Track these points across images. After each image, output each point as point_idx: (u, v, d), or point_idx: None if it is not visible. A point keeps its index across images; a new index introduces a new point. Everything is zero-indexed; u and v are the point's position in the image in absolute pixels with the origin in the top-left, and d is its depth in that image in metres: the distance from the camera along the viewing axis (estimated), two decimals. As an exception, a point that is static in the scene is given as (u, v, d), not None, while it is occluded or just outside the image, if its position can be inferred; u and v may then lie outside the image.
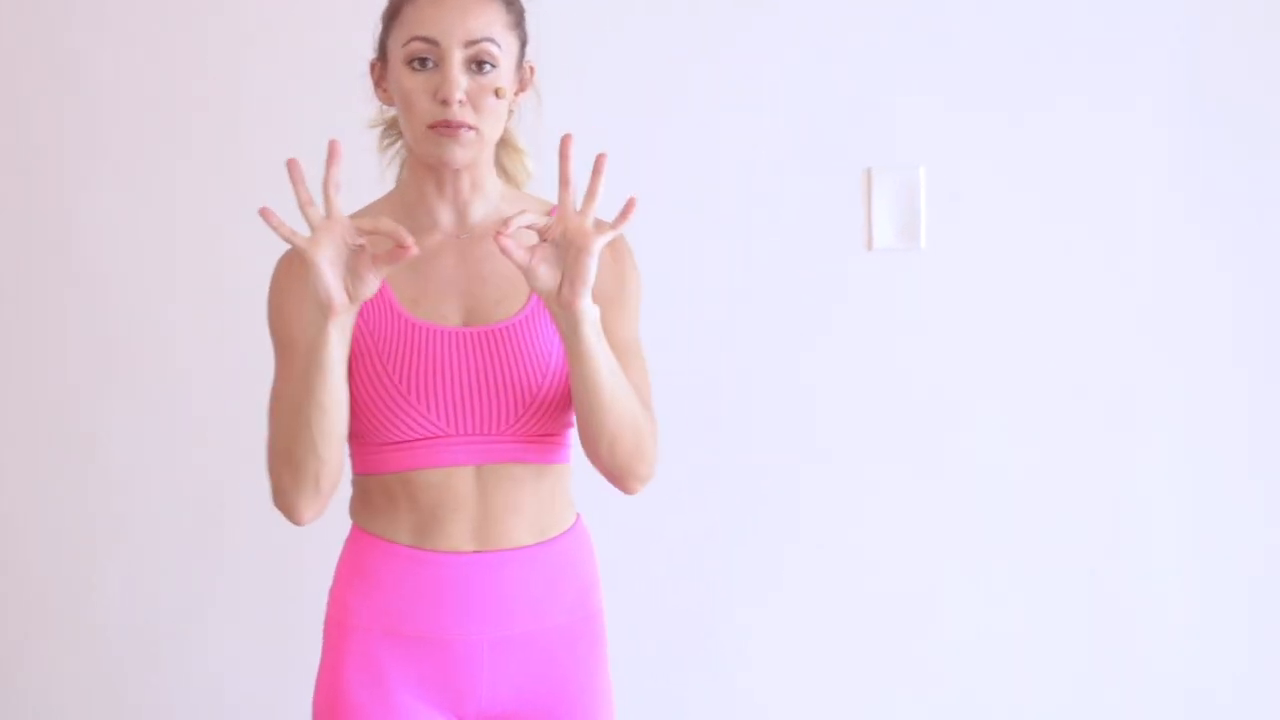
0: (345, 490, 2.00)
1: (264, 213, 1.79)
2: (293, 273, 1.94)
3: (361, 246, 1.82)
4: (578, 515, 2.05)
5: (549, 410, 1.95)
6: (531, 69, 2.01)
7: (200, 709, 3.04)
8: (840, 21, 2.92)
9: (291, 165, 1.81)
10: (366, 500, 1.99)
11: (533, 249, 1.84)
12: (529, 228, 1.84)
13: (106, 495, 3.03)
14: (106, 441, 3.02)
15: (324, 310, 1.81)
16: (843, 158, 2.93)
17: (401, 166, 2.04)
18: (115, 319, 3.01)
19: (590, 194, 1.83)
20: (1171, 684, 2.94)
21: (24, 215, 3.03)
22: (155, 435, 3.01)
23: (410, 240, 1.81)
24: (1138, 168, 2.92)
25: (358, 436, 1.95)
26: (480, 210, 1.98)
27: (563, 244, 1.84)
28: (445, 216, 1.98)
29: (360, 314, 1.91)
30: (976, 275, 2.94)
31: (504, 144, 2.02)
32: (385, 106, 2.00)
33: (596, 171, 1.83)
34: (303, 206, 1.81)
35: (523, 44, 1.99)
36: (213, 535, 3.01)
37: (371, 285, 1.83)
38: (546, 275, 1.84)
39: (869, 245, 2.94)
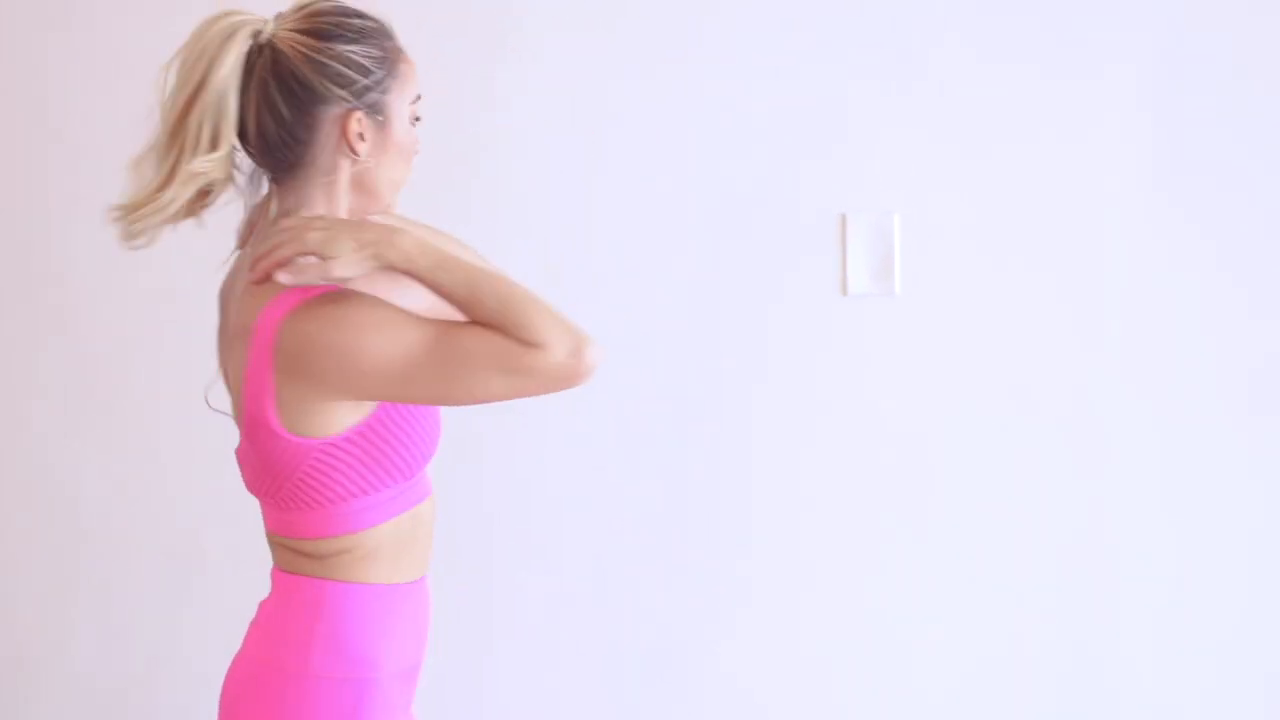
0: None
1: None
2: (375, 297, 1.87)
3: None
4: None
5: None
6: None
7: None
8: (815, 66, 2.92)
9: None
10: (372, 554, 1.90)
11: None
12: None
13: (83, 540, 3.05)
14: (82, 483, 3.04)
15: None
16: (817, 203, 2.93)
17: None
18: (89, 357, 3.04)
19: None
20: (1159, 697, 2.94)
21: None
22: (132, 478, 3.03)
23: None
24: (1116, 215, 2.90)
25: (383, 481, 1.87)
26: None
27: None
28: None
29: None
30: (952, 321, 2.93)
31: None
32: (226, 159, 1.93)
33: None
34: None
35: None
36: (195, 577, 3.03)
37: None
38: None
39: (843, 290, 2.94)
